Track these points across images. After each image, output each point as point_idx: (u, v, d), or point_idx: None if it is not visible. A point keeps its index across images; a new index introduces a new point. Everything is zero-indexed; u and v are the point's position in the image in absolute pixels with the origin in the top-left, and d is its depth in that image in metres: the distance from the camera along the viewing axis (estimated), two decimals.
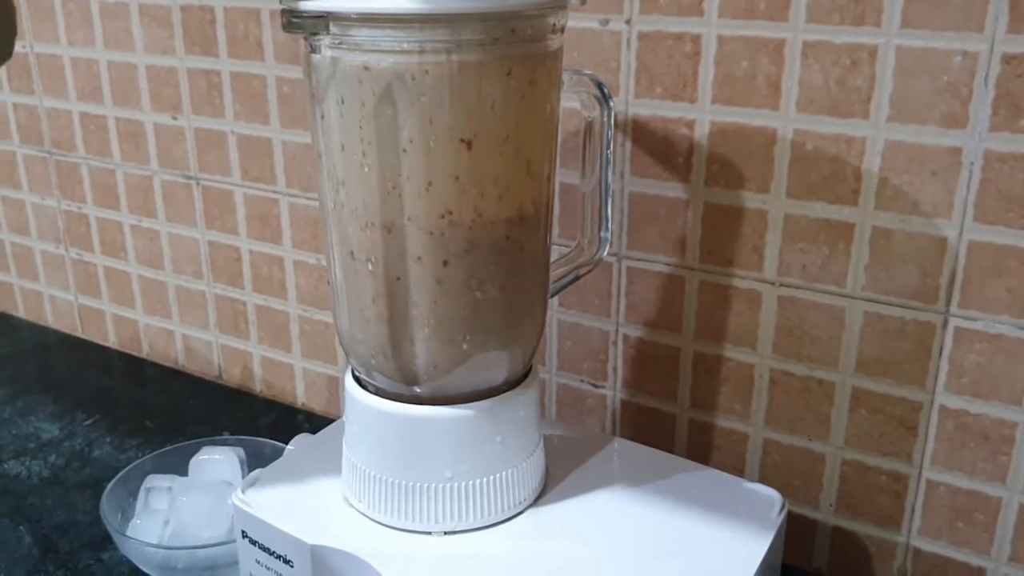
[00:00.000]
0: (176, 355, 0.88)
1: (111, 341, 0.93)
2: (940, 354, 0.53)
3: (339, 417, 0.78)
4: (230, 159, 0.76)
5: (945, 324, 0.52)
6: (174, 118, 0.78)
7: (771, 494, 0.50)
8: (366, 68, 0.39)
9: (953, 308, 0.52)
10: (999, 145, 0.48)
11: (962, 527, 0.55)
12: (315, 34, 0.39)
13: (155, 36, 0.76)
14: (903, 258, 0.52)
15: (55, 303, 0.96)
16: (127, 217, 0.86)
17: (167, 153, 0.80)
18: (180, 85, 0.77)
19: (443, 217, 0.41)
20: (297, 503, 0.49)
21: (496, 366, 0.45)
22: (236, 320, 0.82)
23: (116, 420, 0.78)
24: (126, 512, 0.61)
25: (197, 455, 0.63)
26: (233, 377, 0.85)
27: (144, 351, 0.91)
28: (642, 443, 0.56)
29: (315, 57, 0.40)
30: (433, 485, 0.45)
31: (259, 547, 0.47)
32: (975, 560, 0.55)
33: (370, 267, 0.42)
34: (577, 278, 0.52)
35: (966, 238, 0.50)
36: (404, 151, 0.40)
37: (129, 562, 0.59)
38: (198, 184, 0.80)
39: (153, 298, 0.87)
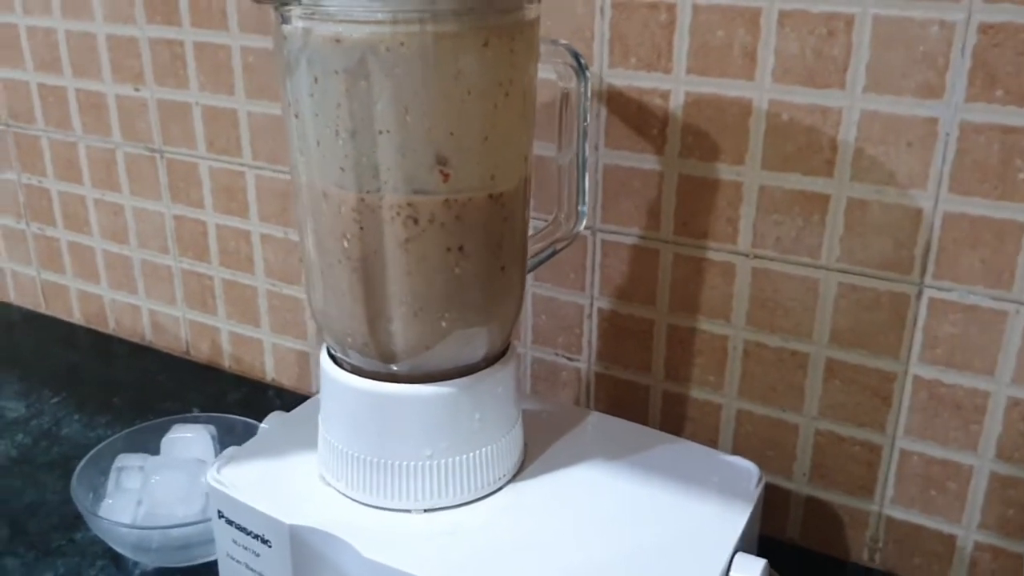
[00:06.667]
0: (143, 331, 0.87)
1: (76, 317, 0.91)
2: (914, 325, 0.53)
3: (310, 392, 0.78)
4: (195, 131, 0.75)
5: (919, 295, 0.52)
6: (136, 89, 0.76)
7: (748, 466, 0.50)
8: (338, 40, 0.38)
9: (928, 279, 0.52)
10: (975, 115, 0.48)
11: (934, 495, 0.55)
12: (285, 4, 0.38)
13: (115, 4, 0.74)
14: (878, 229, 0.52)
15: (17, 279, 0.94)
16: (90, 191, 0.84)
17: (130, 125, 0.78)
18: (142, 55, 0.75)
19: (421, 194, 0.40)
20: (274, 482, 0.48)
21: (475, 343, 0.44)
22: (203, 295, 0.81)
23: (83, 397, 0.77)
24: (97, 492, 0.60)
25: (168, 433, 0.62)
26: (201, 353, 0.84)
27: (111, 327, 0.89)
28: (616, 415, 0.56)
29: (286, 28, 0.39)
30: (412, 463, 0.45)
31: (236, 527, 0.47)
32: (946, 528, 0.56)
33: (345, 244, 0.42)
34: (555, 253, 0.52)
35: (941, 209, 0.50)
36: (379, 127, 0.39)
37: (101, 542, 0.58)
38: (162, 157, 0.78)
39: (118, 273, 0.86)
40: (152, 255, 0.83)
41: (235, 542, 0.47)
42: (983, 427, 0.53)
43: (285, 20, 0.39)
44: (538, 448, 0.50)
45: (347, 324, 0.44)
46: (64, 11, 0.77)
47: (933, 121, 0.49)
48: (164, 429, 0.63)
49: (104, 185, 0.83)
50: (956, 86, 0.48)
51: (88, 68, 0.78)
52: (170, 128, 0.76)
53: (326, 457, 0.48)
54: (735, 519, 0.45)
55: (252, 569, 0.47)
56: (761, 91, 0.53)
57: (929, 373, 0.53)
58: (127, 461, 0.61)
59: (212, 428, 0.63)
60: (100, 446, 0.62)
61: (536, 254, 0.51)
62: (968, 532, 0.55)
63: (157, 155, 0.78)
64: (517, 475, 0.48)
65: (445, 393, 0.44)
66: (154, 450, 0.62)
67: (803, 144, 0.53)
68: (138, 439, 0.63)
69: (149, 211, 0.81)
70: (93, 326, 0.90)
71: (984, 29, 0.46)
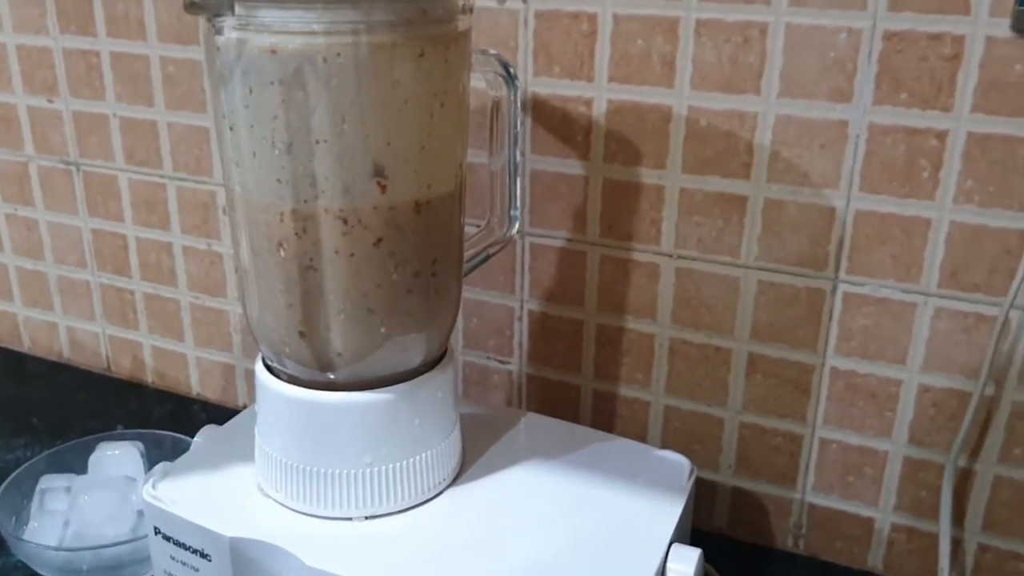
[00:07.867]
0: (61, 348, 0.84)
1: None
2: (830, 318, 0.55)
3: (236, 405, 0.77)
4: (113, 143, 0.73)
5: (834, 290, 0.55)
6: (50, 101, 0.74)
7: (680, 460, 0.51)
8: (274, 50, 0.38)
9: (842, 274, 0.54)
10: (882, 118, 0.51)
11: (852, 481, 0.58)
12: (218, 15, 0.38)
13: (25, 14, 0.72)
14: (794, 228, 0.54)
15: None
16: (1, 206, 0.81)
17: (44, 138, 0.76)
18: (56, 66, 0.73)
19: (359, 203, 0.40)
20: (211, 496, 0.48)
21: (413, 349, 0.45)
22: (124, 310, 0.79)
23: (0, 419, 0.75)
24: (20, 515, 0.58)
25: (96, 451, 0.61)
26: (123, 369, 0.82)
27: (25, 345, 0.86)
28: (548, 415, 0.57)
29: (219, 39, 0.39)
30: (353, 471, 0.45)
31: (173, 543, 0.46)
32: (864, 511, 0.58)
33: (282, 254, 0.42)
34: (488, 257, 0.53)
35: (852, 207, 0.53)
36: (316, 137, 0.39)
37: (24, 567, 0.57)
38: (78, 170, 0.76)
39: (33, 290, 0.83)
40: (69, 270, 0.81)
41: (173, 558, 0.47)
42: (896, 414, 0.55)
43: (218, 31, 0.39)
44: (476, 451, 0.51)
45: (284, 333, 0.44)
46: None
47: (843, 124, 0.51)
48: (89, 448, 0.62)
49: (16, 199, 0.80)
50: (864, 90, 0.50)
51: None
52: (87, 140, 0.74)
53: (264, 468, 0.47)
54: (670, 511, 0.47)
55: None
56: (680, 98, 0.54)
57: (845, 364, 0.56)
58: (51, 482, 0.60)
59: (140, 444, 0.62)
60: (21, 468, 0.60)
61: (470, 259, 0.52)
62: (885, 515, 0.58)
63: (73, 168, 0.76)
64: (457, 479, 0.49)
65: (384, 400, 0.44)
66: (79, 470, 0.61)
67: (721, 148, 0.54)
68: (61, 459, 0.62)
69: (65, 226, 0.79)
70: (6, 345, 0.87)
71: (888, 36, 0.49)
